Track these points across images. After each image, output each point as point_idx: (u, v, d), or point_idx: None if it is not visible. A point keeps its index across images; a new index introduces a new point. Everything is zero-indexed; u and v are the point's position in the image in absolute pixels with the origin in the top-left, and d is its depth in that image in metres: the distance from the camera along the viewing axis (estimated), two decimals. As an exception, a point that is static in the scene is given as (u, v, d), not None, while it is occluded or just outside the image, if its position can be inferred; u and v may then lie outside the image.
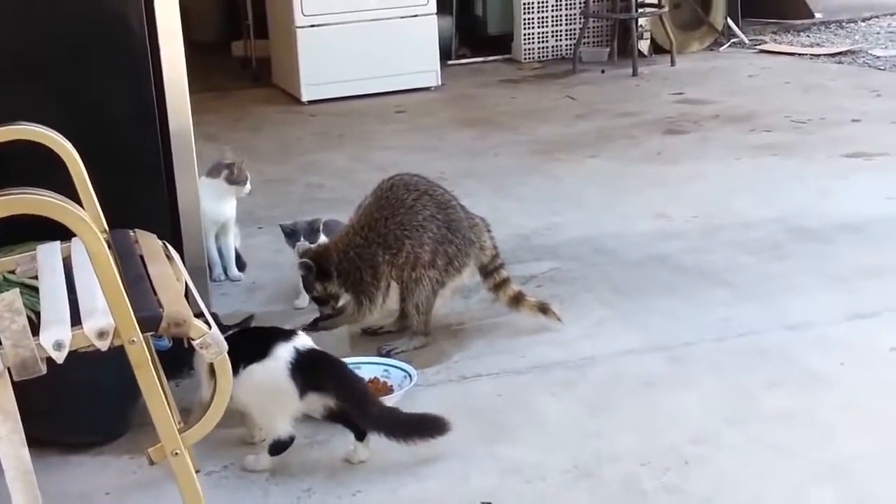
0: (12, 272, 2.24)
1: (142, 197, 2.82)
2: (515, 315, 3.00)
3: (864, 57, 6.89)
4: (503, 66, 7.13)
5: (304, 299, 3.18)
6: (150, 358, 1.78)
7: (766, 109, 5.54)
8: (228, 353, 2.26)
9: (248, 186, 3.44)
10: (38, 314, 1.83)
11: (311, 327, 2.93)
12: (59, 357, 1.70)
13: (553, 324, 2.97)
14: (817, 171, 4.43)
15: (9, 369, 1.67)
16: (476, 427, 2.48)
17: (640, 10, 6.82)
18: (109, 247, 1.88)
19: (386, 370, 2.70)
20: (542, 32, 7.21)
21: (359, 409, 2.28)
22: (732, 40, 7.47)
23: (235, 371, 2.25)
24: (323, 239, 3.13)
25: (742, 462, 2.30)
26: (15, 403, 1.69)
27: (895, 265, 3.38)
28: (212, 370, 2.21)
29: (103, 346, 1.74)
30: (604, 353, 2.84)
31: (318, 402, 2.27)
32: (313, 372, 2.26)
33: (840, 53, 7.01)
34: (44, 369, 1.69)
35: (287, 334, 2.31)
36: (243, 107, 6.23)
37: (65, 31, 2.74)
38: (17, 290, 1.84)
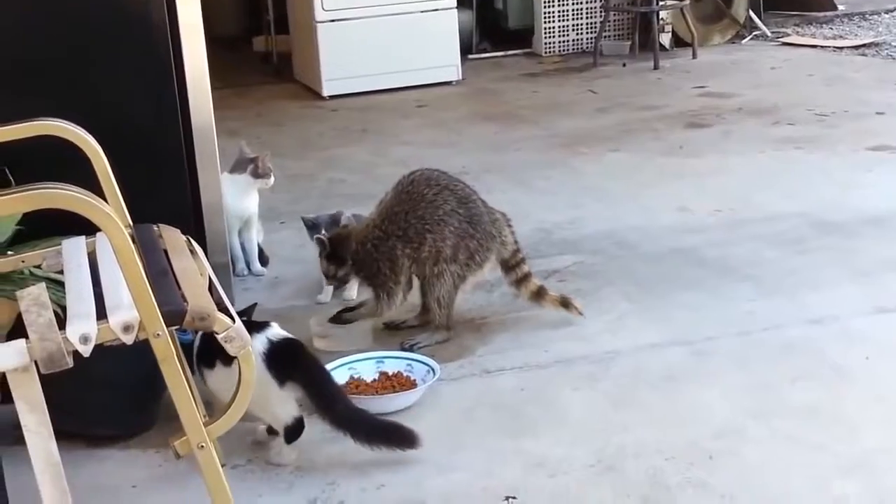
0: (38, 267, 2.26)
1: (165, 192, 2.84)
2: (538, 309, 3.00)
3: (887, 49, 6.84)
4: (524, 60, 7.11)
5: (326, 294, 3.19)
6: (174, 352, 1.79)
7: (789, 102, 5.51)
8: (205, 349, 2.28)
9: (272, 179, 3.46)
10: (63, 308, 1.84)
11: (334, 320, 2.94)
12: (86, 351, 1.71)
13: (575, 318, 2.96)
14: (841, 164, 4.41)
15: (36, 363, 1.69)
16: (499, 421, 2.49)
17: (661, 3, 6.79)
18: (134, 241, 1.89)
19: (409, 365, 2.70)
20: (563, 26, 7.19)
21: (323, 405, 2.26)
22: (755, 33, 7.43)
23: (212, 366, 2.27)
24: None
25: (766, 456, 2.29)
26: (42, 396, 1.70)
27: (920, 258, 3.36)
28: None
29: (129, 339, 1.75)
30: (626, 348, 2.83)
31: (296, 392, 2.28)
32: (286, 362, 2.26)
33: (863, 46, 6.96)
34: (70, 363, 1.70)
35: (260, 326, 2.30)
36: (265, 102, 6.24)
37: (88, 28, 2.76)
38: (44, 284, 1.86)
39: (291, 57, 6.84)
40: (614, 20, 7.15)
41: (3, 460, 1.99)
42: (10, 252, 2.33)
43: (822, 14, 7.97)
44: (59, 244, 2.20)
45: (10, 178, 2.48)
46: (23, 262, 2.24)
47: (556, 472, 2.26)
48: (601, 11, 7.07)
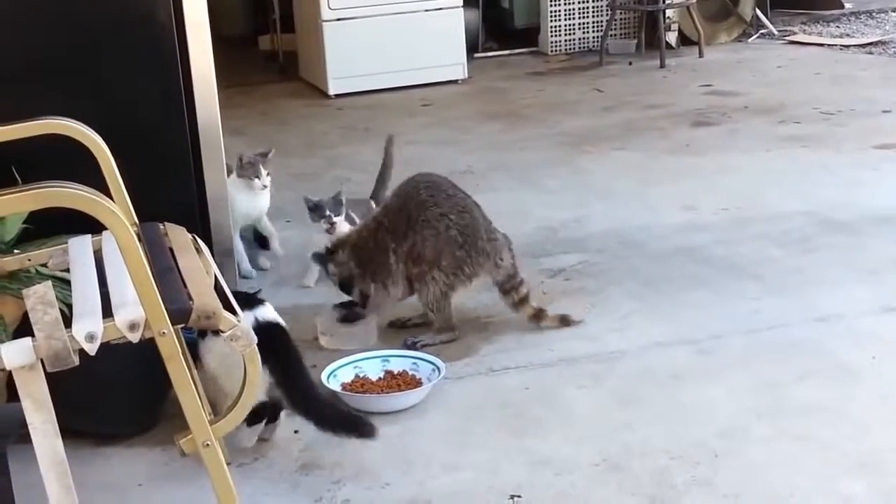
0: (44, 265, 2.26)
1: (170, 190, 2.84)
2: (543, 308, 3.00)
3: (894, 47, 6.82)
4: (530, 59, 7.11)
5: (310, 278, 3.27)
6: (180, 350, 1.79)
7: (795, 101, 5.49)
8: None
9: (257, 181, 3.34)
10: (69, 307, 1.84)
11: (341, 319, 2.95)
12: (92, 349, 1.71)
13: (580, 318, 2.96)
14: (847, 162, 4.40)
15: (42, 360, 1.69)
16: (505, 420, 2.49)
17: (667, 2, 6.78)
18: (139, 239, 1.89)
19: (415, 363, 2.70)
20: (569, 25, 7.18)
21: (291, 391, 2.25)
22: (761, 31, 7.41)
23: (203, 336, 2.27)
24: (347, 227, 3.16)
25: (772, 455, 2.28)
26: (48, 394, 1.70)
27: (927, 257, 3.35)
28: None
29: (134, 337, 1.75)
30: (632, 346, 2.83)
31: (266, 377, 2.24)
32: (263, 345, 2.24)
33: (870, 44, 6.94)
34: (76, 361, 1.71)
35: (253, 302, 2.29)
36: (270, 101, 6.25)
37: (94, 27, 2.76)
38: (50, 282, 1.86)
39: (297, 56, 6.84)
40: (620, 19, 7.14)
41: (9, 458, 1.99)
42: (16, 250, 2.34)
43: (828, 12, 7.95)
44: (66, 242, 2.20)
45: (17, 176, 2.49)
46: (29, 260, 2.25)
47: (561, 471, 2.25)
48: (607, 10, 7.06)
